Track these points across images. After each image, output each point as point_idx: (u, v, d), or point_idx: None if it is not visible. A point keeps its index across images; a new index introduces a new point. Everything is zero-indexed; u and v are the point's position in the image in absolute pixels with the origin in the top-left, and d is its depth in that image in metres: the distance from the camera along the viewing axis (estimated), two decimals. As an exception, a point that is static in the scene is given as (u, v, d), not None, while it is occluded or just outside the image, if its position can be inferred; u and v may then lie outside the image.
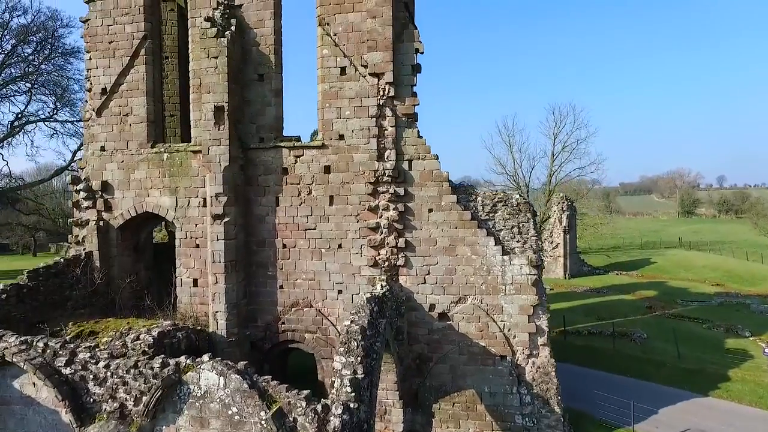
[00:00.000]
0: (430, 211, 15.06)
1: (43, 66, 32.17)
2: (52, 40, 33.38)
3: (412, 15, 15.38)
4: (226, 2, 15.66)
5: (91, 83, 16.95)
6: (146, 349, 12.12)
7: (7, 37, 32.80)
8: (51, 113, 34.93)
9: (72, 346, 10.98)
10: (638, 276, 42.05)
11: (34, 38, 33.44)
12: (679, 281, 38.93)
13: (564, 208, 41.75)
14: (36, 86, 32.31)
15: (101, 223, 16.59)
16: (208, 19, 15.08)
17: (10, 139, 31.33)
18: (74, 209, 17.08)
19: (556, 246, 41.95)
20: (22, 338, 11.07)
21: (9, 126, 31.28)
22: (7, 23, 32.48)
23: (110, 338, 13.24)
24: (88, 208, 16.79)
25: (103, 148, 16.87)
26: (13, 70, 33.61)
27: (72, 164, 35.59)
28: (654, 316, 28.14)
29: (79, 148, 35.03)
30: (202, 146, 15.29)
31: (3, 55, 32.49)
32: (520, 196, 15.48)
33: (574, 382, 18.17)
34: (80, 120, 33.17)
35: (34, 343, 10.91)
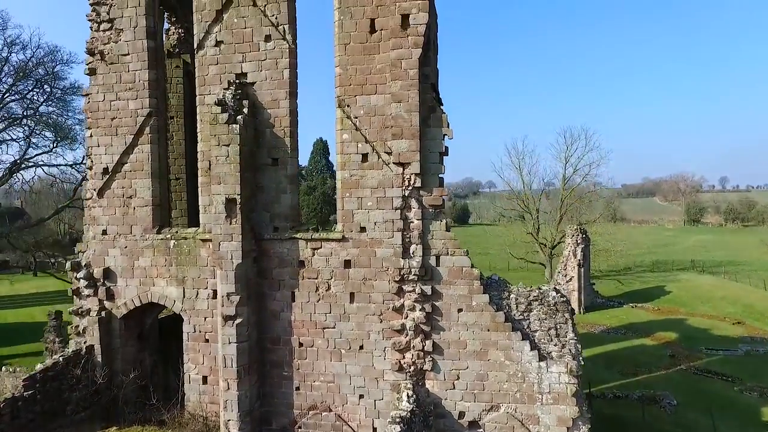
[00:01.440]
0: (460, 311, 13.90)
1: (42, 107, 31.01)
2: (51, 77, 32.23)
3: (438, 96, 14.18)
4: (237, 81, 14.48)
5: (92, 161, 15.78)
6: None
7: (6, 71, 31.65)
8: (51, 147, 33.80)
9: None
10: (654, 310, 40.90)
11: (33, 75, 32.27)
12: (698, 318, 37.75)
13: (578, 241, 40.58)
14: (36, 127, 31.16)
15: (103, 313, 15.45)
16: (219, 103, 13.88)
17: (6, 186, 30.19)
18: (74, 297, 15.92)
19: (570, 279, 40.79)
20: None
21: (7, 172, 30.09)
22: (6, 59, 31.32)
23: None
24: (88, 296, 15.64)
25: (104, 232, 15.70)
26: (13, 106, 32.45)
27: (72, 202, 34.46)
28: (679, 371, 26.98)
29: (79, 184, 33.89)
30: (213, 241, 14.11)
31: (2, 92, 31.35)
32: (557, 293, 14.30)
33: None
34: (81, 163, 32.10)
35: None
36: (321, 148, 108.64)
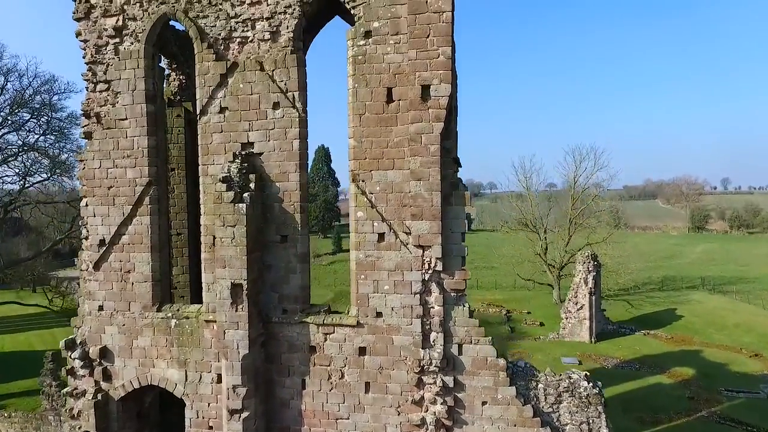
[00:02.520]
0: (484, 404, 12.87)
1: (40, 140, 30.04)
2: (48, 107, 31.24)
3: (458, 163, 13.14)
4: (244, 152, 13.45)
5: (87, 231, 14.74)
6: None
7: (2, 101, 30.66)
8: (47, 176, 32.82)
9: None
10: (668, 339, 39.89)
11: (30, 105, 31.29)
12: (714, 350, 36.72)
13: (590, 269, 39.54)
14: (32, 166, 30.20)
15: (99, 395, 14.43)
16: (224, 180, 12.83)
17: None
18: (69, 377, 14.91)
19: (581, 307, 39.77)
20: None
21: (2, 210, 29.09)
22: (2, 87, 30.32)
23: None
24: (83, 376, 14.63)
25: (101, 308, 14.67)
26: (9, 138, 31.46)
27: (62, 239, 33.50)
28: (701, 419, 25.97)
29: (73, 220, 32.90)
30: (217, 327, 13.09)
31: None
32: (589, 382, 13.27)
33: None
34: (77, 199, 31.05)
35: None
36: (323, 156, 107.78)
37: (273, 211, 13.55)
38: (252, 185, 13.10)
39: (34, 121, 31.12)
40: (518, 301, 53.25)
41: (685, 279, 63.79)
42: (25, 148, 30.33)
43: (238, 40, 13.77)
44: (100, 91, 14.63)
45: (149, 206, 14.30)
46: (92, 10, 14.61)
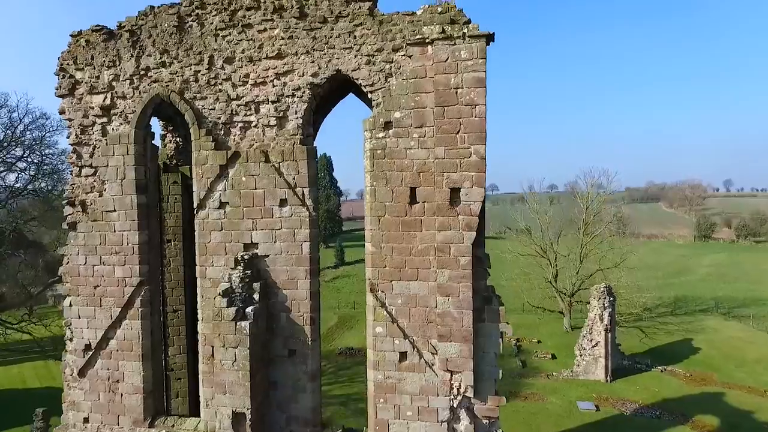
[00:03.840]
0: None
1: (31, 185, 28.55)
2: (40, 144, 29.71)
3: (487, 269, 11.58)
4: (247, 256, 11.87)
5: (71, 333, 13.19)
6: None
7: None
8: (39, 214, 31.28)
9: None
10: (686, 376, 38.32)
11: (21, 142, 29.77)
12: (737, 392, 35.13)
13: (605, 305, 37.98)
14: (22, 218, 28.69)
15: None
16: (225, 294, 11.26)
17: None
18: (52, 496, 13.39)
19: (596, 344, 38.19)
20: None
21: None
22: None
23: None
24: (69, 497, 13.10)
25: (86, 420, 13.13)
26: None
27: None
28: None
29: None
30: (217, 460, 11.55)
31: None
32: None
33: None
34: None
35: None
36: (325, 164, 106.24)
37: (279, 322, 11.99)
38: (256, 296, 11.54)
39: (26, 161, 29.60)
40: (528, 327, 51.67)
41: (697, 300, 62.28)
42: (17, 189, 28.83)
43: (240, 125, 12.20)
44: (86, 176, 13.07)
45: (140, 309, 12.73)
46: (77, 86, 13.05)
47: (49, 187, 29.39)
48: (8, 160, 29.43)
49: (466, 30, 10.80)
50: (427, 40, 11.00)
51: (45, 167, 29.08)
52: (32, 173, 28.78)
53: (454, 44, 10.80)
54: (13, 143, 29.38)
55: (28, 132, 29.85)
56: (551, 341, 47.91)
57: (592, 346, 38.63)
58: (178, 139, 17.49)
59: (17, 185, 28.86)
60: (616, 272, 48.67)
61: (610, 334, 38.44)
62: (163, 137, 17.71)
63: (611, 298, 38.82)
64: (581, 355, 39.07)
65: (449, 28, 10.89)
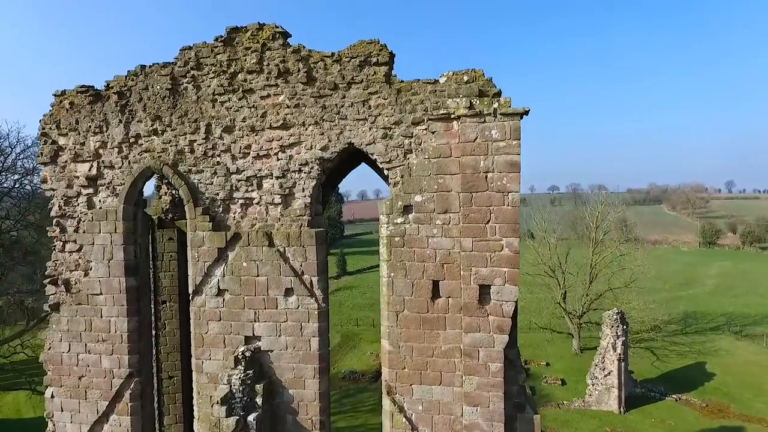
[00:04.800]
0: None
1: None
2: (33, 173, 28.44)
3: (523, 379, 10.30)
4: (249, 353, 10.58)
5: (53, 426, 11.91)
6: None
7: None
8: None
9: None
10: (702, 407, 37.07)
11: (12, 171, 28.52)
12: (757, 427, 33.91)
13: (618, 333, 36.71)
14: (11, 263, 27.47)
15: None
16: (223, 401, 9.98)
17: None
18: None
19: (609, 374, 36.93)
20: None
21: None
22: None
23: None
24: None
25: None
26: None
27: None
28: None
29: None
30: None
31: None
32: None
33: None
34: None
35: None
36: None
37: (285, 425, 10.71)
38: (259, 399, 10.27)
39: (18, 191, 28.34)
40: (535, 347, 50.42)
41: (707, 317, 61.02)
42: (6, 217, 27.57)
43: (240, 202, 10.92)
44: (70, 252, 11.79)
45: (130, 404, 11.46)
46: (60, 153, 11.77)
47: (41, 220, 28.12)
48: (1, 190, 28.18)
49: (497, 105, 9.51)
50: (452, 116, 9.71)
51: (36, 199, 27.81)
52: (23, 206, 27.51)
53: (484, 122, 9.51)
54: (4, 172, 28.12)
55: (19, 161, 28.60)
56: (560, 364, 46.66)
57: (605, 376, 37.37)
58: (174, 191, 16.21)
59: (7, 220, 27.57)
60: (626, 291, 47.45)
61: (623, 364, 37.17)
62: (158, 188, 16.45)
63: (624, 327, 37.54)
64: (593, 385, 37.80)
65: (477, 103, 9.60)
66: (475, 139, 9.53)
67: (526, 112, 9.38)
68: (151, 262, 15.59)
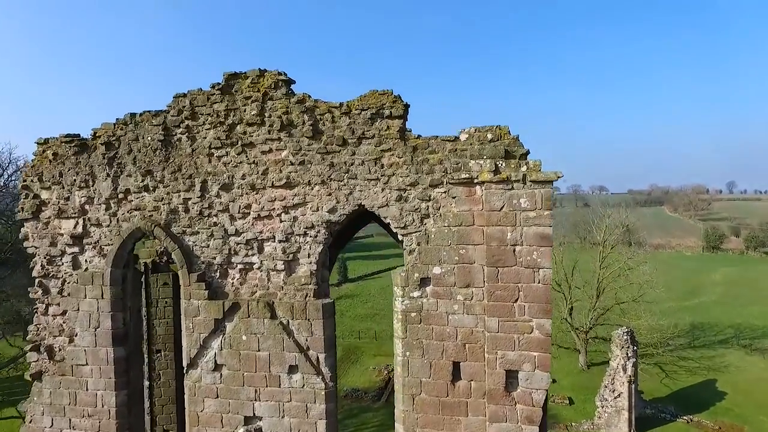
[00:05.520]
0: None
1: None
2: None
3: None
4: (247, 437, 9.58)
5: (37, 506, 10.92)
6: None
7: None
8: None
9: None
10: (715, 430, 36.12)
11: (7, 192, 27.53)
12: (770, 452, 32.97)
13: (629, 354, 35.71)
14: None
15: None
16: (219, 496, 9.00)
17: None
18: None
19: (618, 396, 35.93)
20: None
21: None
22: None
23: None
24: None
25: None
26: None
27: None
28: None
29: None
30: None
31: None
32: None
33: None
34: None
35: None
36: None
37: None
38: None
39: (10, 212, 27.33)
40: (541, 363, 49.39)
41: (714, 328, 60.03)
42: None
43: (239, 267, 9.92)
44: (54, 316, 10.79)
45: (119, 488, 10.46)
46: (43, 208, 10.78)
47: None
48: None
49: (525, 170, 8.50)
50: (475, 180, 8.70)
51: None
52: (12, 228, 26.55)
53: (511, 188, 8.51)
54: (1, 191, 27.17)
55: (11, 182, 27.62)
56: (567, 381, 45.68)
57: (615, 398, 36.36)
58: (168, 233, 15.19)
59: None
60: (634, 306, 46.49)
61: (633, 386, 36.18)
62: (151, 228, 15.42)
63: (635, 347, 36.55)
64: (603, 407, 36.80)
65: (503, 166, 8.59)
66: (502, 208, 8.52)
67: (558, 177, 8.38)
68: (144, 308, 14.64)
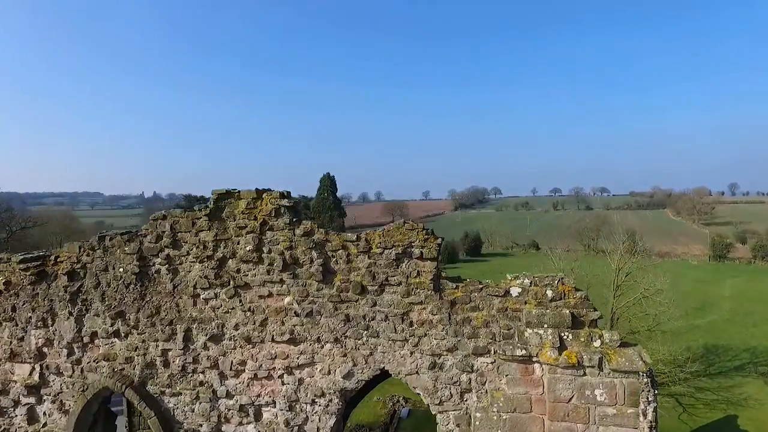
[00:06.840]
0: None
1: None
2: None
3: None
4: None
5: None
6: None
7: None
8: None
9: None
10: (740, 478, 34.21)
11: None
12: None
13: (650, 399, 33.74)
14: None
15: None
16: None
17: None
18: None
19: (638, 441, 34.01)
20: None
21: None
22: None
23: None
24: None
25: None
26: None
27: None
28: None
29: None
30: None
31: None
32: None
33: None
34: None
35: None
36: (329, 185, 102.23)
37: None
38: None
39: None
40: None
41: (729, 352, 58.11)
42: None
43: (232, 439, 7.94)
44: (8, 477, 8.82)
45: None
46: (-10, 348, 8.78)
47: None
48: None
49: (599, 346, 6.59)
50: (533, 358, 6.74)
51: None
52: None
53: (583, 374, 6.55)
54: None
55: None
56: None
57: (634, 444, 34.33)
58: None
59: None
60: (650, 335, 44.52)
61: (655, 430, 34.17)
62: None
63: (655, 391, 34.52)
64: (621, 453, 34.81)
65: (570, 339, 6.64)
66: (570, 399, 6.57)
67: (648, 367, 6.44)
68: None
